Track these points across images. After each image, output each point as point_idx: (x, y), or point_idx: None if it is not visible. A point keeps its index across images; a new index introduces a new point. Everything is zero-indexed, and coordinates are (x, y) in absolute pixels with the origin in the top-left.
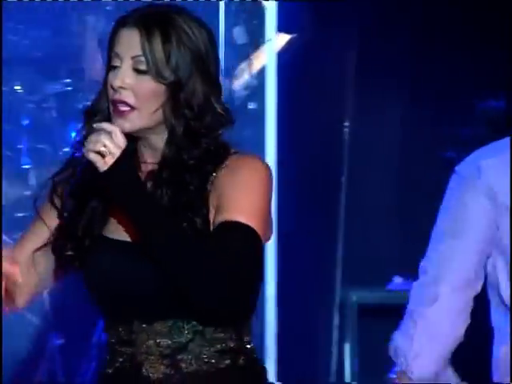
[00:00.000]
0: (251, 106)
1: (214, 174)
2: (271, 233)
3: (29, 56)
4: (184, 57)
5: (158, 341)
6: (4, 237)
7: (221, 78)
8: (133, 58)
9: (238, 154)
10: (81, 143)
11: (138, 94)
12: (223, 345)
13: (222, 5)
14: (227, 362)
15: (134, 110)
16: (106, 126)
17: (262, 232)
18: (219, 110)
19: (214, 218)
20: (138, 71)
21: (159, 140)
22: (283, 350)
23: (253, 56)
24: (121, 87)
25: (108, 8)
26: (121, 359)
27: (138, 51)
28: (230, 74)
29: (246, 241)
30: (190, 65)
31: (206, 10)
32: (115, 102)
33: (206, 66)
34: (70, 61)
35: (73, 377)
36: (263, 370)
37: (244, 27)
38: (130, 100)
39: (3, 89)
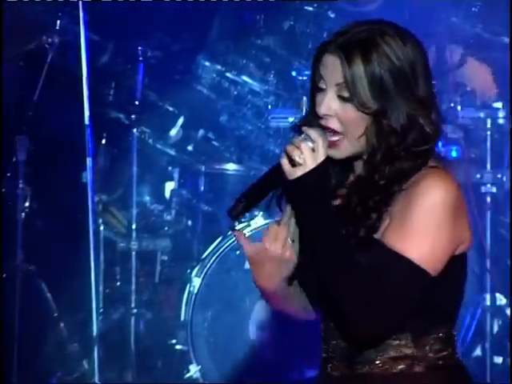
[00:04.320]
0: None
1: (400, 191)
2: (468, 241)
3: None
4: (387, 83)
5: (340, 342)
6: None
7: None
8: (337, 84)
9: (430, 170)
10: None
11: (343, 120)
12: (398, 351)
13: None
14: (401, 367)
15: (342, 137)
16: (313, 133)
17: (433, 260)
18: (426, 128)
19: (385, 231)
20: (342, 98)
21: (360, 162)
22: None
23: None
24: (326, 114)
25: (474, 9)
26: (324, 355)
27: (340, 79)
28: None
29: (406, 279)
30: (393, 89)
31: None
32: (323, 128)
33: (410, 86)
34: (435, 62)
35: None
36: (448, 378)
37: None
38: (336, 126)
39: None
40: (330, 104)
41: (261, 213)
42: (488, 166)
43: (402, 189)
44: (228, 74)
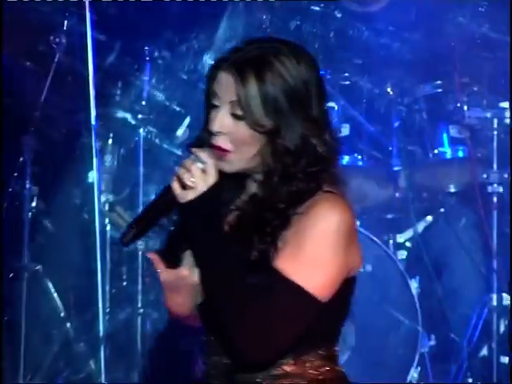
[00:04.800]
0: None
1: (296, 212)
2: (359, 265)
3: (399, 58)
4: (281, 102)
5: (221, 358)
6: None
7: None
8: (230, 102)
9: (324, 195)
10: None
11: (236, 138)
12: (279, 369)
13: None
14: None
15: (231, 153)
16: (203, 156)
17: (324, 286)
18: (318, 149)
19: (278, 257)
20: (235, 116)
21: (258, 176)
22: None
23: None
24: (219, 132)
25: (480, 9)
26: (206, 369)
27: (233, 97)
28: None
29: (296, 306)
30: (287, 108)
31: None
32: (213, 146)
33: (304, 106)
34: (441, 62)
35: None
36: None
37: None
38: (227, 146)
39: (376, 91)
40: (222, 121)
41: None
42: (494, 165)
43: (296, 212)
44: None
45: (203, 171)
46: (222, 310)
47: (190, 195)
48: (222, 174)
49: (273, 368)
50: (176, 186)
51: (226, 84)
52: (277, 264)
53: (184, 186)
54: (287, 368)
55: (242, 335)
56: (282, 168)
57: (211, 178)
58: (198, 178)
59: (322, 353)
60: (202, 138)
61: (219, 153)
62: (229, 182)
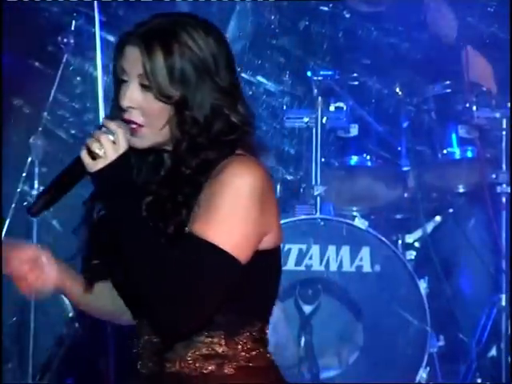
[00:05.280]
0: None
1: (208, 180)
2: (277, 232)
3: (408, 58)
4: (188, 73)
5: (151, 337)
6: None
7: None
8: (138, 76)
9: (236, 157)
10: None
11: (146, 112)
12: (210, 349)
13: None
14: (211, 367)
15: (143, 127)
16: (112, 125)
17: (240, 246)
18: (232, 118)
19: (191, 223)
20: (144, 87)
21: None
22: None
23: None
24: (129, 107)
25: (489, 9)
26: (134, 350)
27: (141, 70)
28: None
29: (214, 266)
30: (195, 79)
31: None
32: (126, 121)
33: (213, 77)
34: (450, 62)
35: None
36: (256, 379)
37: None
38: (139, 120)
39: (384, 91)
40: (132, 96)
41: None
42: (503, 166)
43: (209, 178)
44: (243, 75)
45: (113, 142)
46: (140, 280)
47: (99, 164)
48: (140, 156)
49: (204, 347)
50: (85, 156)
51: (133, 58)
52: (191, 228)
53: (94, 157)
54: (218, 348)
55: (163, 304)
56: (189, 138)
57: (121, 148)
58: (107, 147)
59: (255, 334)
60: (114, 115)
61: (133, 128)
62: (147, 162)
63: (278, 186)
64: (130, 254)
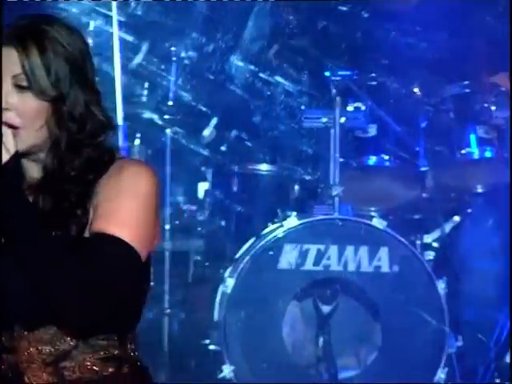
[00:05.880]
0: None
1: (98, 182)
2: (158, 239)
3: (426, 58)
4: (63, 68)
5: (39, 348)
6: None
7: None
8: (14, 76)
9: (122, 160)
10: None
11: (23, 113)
12: (106, 352)
13: None
14: (111, 369)
15: (20, 129)
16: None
17: (141, 241)
18: (100, 116)
19: (91, 225)
20: (20, 87)
21: (44, 154)
22: None
23: None
24: (5, 109)
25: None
26: (3, 366)
27: (18, 69)
28: None
29: (115, 256)
30: (69, 75)
31: None
32: (3, 124)
33: (84, 74)
34: (468, 62)
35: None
36: (147, 378)
37: None
38: (16, 122)
39: (403, 91)
40: (7, 98)
41: (294, 213)
42: None
43: (100, 179)
44: (261, 75)
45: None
46: (35, 275)
47: None
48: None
49: (101, 350)
50: None
51: (8, 58)
52: (93, 227)
53: None
54: (113, 350)
55: (68, 300)
56: (68, 135)
57: (11, 145)
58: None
59: (136, 335)
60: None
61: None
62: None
63: (296, 187)
64: (29, 255)
